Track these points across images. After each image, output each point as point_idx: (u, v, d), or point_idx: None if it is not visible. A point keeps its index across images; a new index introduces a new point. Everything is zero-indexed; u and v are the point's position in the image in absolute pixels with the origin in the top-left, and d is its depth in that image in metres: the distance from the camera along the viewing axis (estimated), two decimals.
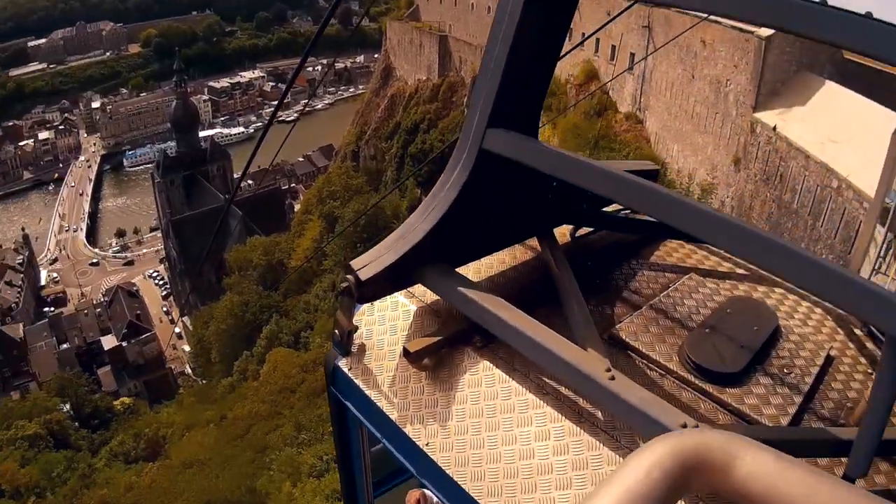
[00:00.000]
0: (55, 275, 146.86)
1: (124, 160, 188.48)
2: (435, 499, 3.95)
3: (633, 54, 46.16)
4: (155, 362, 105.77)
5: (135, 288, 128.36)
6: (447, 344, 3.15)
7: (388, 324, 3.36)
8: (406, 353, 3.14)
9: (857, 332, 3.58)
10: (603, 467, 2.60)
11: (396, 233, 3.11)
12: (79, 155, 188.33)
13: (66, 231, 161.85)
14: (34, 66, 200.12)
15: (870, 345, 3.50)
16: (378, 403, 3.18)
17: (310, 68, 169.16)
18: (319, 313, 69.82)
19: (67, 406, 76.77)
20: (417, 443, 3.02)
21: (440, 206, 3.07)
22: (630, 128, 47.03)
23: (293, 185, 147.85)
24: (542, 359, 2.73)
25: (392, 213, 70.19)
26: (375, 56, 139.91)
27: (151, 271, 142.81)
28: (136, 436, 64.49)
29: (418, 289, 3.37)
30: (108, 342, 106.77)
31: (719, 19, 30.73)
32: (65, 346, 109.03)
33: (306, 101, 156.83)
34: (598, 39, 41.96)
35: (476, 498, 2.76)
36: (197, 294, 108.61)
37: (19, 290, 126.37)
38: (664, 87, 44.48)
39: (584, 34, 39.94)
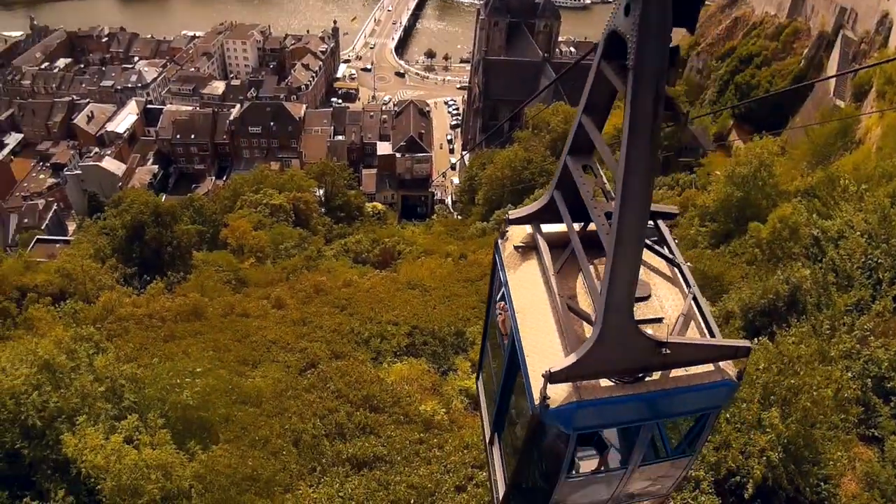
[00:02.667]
0: (353, 72, 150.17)
1: None
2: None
3: None
4: (420, 182, 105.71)
5: (427, 109, 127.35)
6: (529, 248, 8.36)
7: (516, 233, 8.54)
8: (515, 246, 8.45)
9: (694, 325, 7.53)
10: (548, 305, 7.75)
11: (529, 206, 8.26)
12: None
13: (377, 36, 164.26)
14: None
15: (692, 328, 7.42)
16: (504, 258, 8.39)
17: None
18: None
19: (321, 192, 75.77)
20: (506, 273, 8.24)
21: (542, 202, 8.00)
22: None
23: None
24: (542, 265, 8.03)
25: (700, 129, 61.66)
26: None
27: (448, 99, 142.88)
28: (375, 241, 60.69)
29: (530, 227, 8.40)
30: (383, 148, 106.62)
31: None
32: (339, 137, 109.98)
33: None
34: None
35: (513, 298, 7.94)
36: (485, 136, 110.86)
37: (314, 75, 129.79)
38: None
39: None
